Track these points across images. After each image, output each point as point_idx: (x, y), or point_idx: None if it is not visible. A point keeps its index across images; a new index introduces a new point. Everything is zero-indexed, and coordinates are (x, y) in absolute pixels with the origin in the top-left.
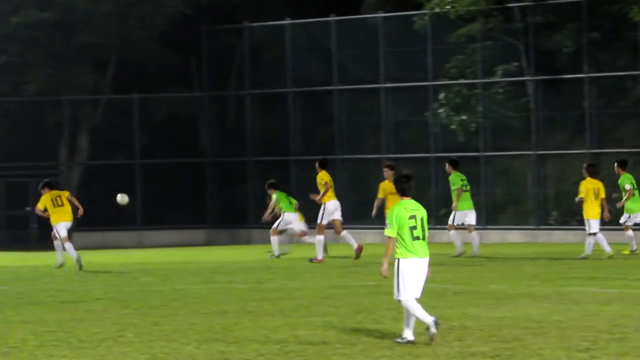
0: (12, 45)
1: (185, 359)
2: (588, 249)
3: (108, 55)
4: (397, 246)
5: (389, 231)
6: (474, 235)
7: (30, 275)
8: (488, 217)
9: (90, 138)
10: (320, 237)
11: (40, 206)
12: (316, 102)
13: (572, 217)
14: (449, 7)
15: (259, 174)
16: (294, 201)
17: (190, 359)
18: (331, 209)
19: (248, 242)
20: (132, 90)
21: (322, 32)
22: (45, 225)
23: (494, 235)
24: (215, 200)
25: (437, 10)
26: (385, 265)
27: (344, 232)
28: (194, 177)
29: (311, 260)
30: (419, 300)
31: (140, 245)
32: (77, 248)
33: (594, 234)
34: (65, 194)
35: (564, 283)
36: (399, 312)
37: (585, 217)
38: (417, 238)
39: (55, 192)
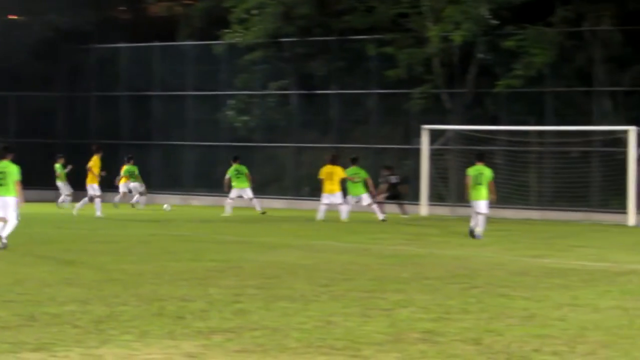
0: None
1: None
2: (320, 215)
3: None
4: None
5: None
6: (255, 202)
7: None
8: (259, 190)
9: None
10: None
11: None
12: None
13: (319, 192)
14: (239, 39)
15: None
16: None
17: None
18: None
19: None
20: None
21: (149, 54)
22: None
23: (263, 203)
24: None
25: (231, 41)
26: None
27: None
28: None
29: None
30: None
31: None
32: None
33: (328, 204)
34: None
35: (311, 238)
36: None
37: (323, 192)
38: None
39: None
